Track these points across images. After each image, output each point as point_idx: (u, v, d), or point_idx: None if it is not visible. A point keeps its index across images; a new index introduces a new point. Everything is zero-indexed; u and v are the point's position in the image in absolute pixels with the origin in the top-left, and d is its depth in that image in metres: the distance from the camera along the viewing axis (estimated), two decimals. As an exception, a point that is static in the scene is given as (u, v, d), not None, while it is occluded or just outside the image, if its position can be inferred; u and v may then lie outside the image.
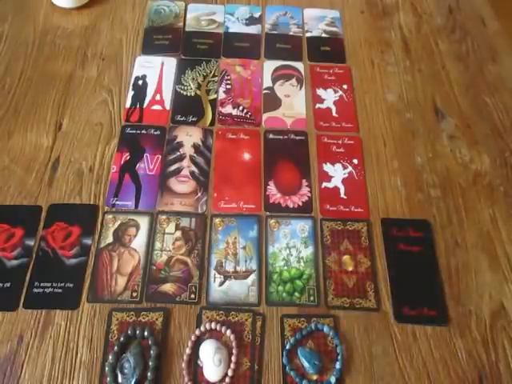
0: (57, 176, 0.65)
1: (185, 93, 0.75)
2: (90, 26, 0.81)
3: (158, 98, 0.74)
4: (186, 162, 0.67)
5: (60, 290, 0.56)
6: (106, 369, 0.50)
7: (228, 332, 0.53)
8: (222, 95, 0.75)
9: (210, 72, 0.77)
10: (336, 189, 0.66)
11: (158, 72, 0.77)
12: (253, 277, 0.58)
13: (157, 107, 0.73)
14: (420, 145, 0.70)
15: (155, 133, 0.70)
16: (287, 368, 0.51)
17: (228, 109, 0.73)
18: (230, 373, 0.51)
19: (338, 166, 0.68)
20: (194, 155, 0.68)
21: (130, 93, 0.74)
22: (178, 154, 0.68)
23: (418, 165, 0.68)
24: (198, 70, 0.77)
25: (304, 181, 0.66)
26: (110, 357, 0.51)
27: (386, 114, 0.73)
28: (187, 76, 0.77)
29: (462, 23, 0.86)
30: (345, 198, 0.65)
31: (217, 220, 0.62)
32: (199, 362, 0.52)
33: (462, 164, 0.69)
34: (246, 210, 0.63)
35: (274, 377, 0.52)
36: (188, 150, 0.68)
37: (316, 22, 0.85)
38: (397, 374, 0.52)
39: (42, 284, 0.56)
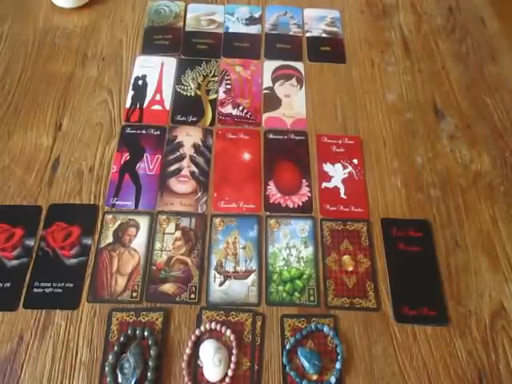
0: (57, 176, 0.65)
1: (185, 93, 0.75)
2: (90, 26, 0.81)
3: (157, 97, 0.74)
4: (185, 162, 0.67)
5: (60, 290, 0.56)
6: (106, 369, 0.50)
7: (228, 332, 0.53)
8: (221, 95, 0.75)
9: (210, 72, 0.77)
10: (336, 189, 0.66)
11: (157, 72, 0.77)
12: (253, 277, 0.58)
13: (157, 107, 0.73)
14: (420, 145, 0.70)
15: (155, 133, 0.70)
16: (287, 368, 0.51)
17: (228, 109, 0.73)
18: (230, 373, 0.51)
19: (338, 165, 0.68)
20: (194, 155, 0.68)
21: (130, 93, 0.74)
22: (178, 153, 0.68)
23: (417, 165, 0.68)
24: (198, 70, 0.77)
25: (304, 181, 0.66)
26: (110, 357, 0.51)
27: (385, 113, 0.73)
28: (187, 76, 0.77)
29: (462, 23, 0.86)
30: (345, 197, 0.65)
31: (217, 220, 0.62)
32: (199, 362, 0.52)
33: (462, 164, 0.69)
34: (246, 209, 0.63)
35: (273, 377, 0.52)
36: (188, 150, 0.68)
37: (316, 21, 0.85)
38: (397, 373, 0.52)
39: (41, 284, 0.56)
